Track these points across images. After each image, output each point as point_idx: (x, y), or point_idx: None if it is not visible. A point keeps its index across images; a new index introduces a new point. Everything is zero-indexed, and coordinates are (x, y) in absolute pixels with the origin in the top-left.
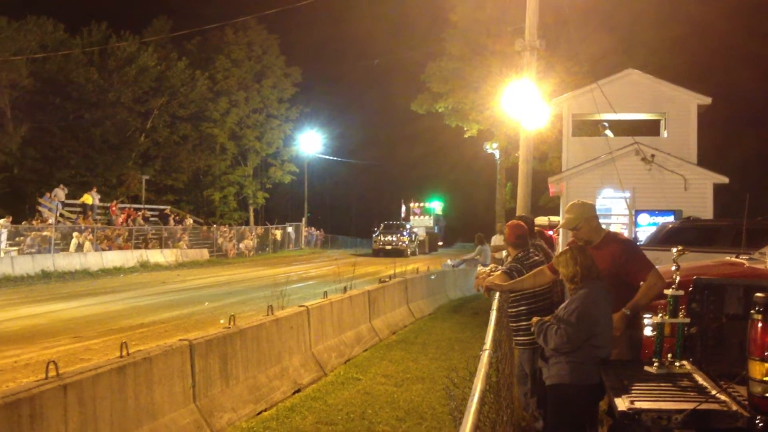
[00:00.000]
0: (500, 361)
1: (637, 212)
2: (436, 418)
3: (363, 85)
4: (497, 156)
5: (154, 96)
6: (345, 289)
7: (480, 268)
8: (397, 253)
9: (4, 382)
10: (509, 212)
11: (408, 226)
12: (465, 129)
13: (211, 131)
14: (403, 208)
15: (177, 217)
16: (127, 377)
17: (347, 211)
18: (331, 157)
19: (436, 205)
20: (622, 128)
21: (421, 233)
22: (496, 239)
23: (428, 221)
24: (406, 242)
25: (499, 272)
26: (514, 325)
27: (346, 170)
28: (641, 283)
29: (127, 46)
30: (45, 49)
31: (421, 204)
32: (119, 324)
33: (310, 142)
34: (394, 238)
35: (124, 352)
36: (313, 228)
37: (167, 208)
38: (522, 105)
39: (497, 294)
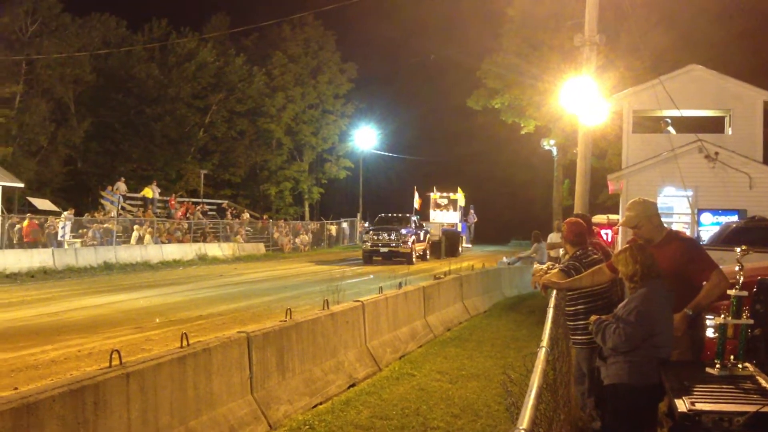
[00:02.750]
0: (557, 359)
1: (700, 211)
2: (491, 416)
3: (418, 80)
4: (554, 153)
5: (212, 92)
6: (400, 285)
7: (536, 265)
8: (397, 257)
9: (69, 369)
10: (566, 210)
11: (414, 221)
12: (522, 125)
13: (267, 126)
14: (416, 198)
15: (234, 212)
16: (187, 367)
17: (402, 207)
18: (385, 153)
19: (459, 197)
20: (684, 125)
21: (436, 231)
22: (554, 237)
23: (453, 216)
24: (411, 242)
25: (556, 270)
26: (572, 323)
27: (401, 166)
28: (704, 283)
29: (186, 43)
30: (108, 45)
31: (446, 194)
32: (178, 315)
33: (365, 138)
34: (393, 237)
35: (184, 343)
36: (368, 224)
37: (225, 203)
38: (581, 101)
39: (554, 292)
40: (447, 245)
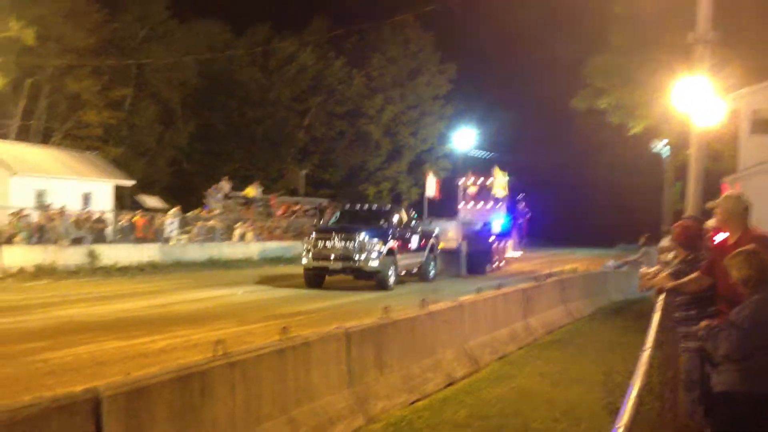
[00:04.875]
0: (663, 364)
1: None
2: (594, 421)
3: (519, 81)
4: (664, 155)
5: (312, 94)
6: (499, 286)
7: (643, 269)
8: (361, 277)
9: (177, 358)
10: (677, 213)
11: (394, 218)
12: (630, 126)
13: (366, 128)
14: (430, 180)
15: (333, 211)
16: (287, 359)
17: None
18: (485, 153)
19: (498, 182)
20: None
21: (452, 235)
22: (665, 241)
23: (492, 211)
24: (382, 252)
25: (665, 273)
26: (683, 329)
27: (504, 168)
28: None
29: (287, 46)
30: (212, 50)
31: (484, 180)
32: (279, 311)
33: (464, 139)
34: (352, 246)
35: (285, 336)
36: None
37: (324, 202)
38: (694, 101)
39: (662, 296)
40: (471, 256)
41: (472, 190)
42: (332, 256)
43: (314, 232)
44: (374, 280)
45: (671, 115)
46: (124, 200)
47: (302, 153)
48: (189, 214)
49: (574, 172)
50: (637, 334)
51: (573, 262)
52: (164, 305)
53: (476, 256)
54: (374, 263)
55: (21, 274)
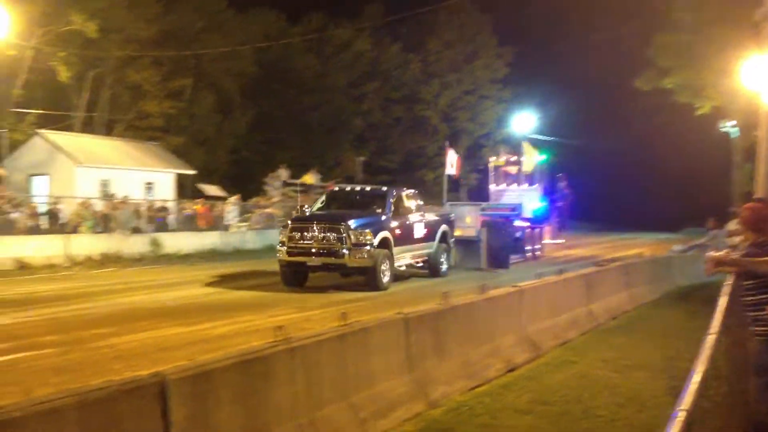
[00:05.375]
0: (730, 349)
1: None
2: (659, 407)
3: (579, 62)
4: (732, 135)
5: (368, 80)
6: (560, 271)
7: (710, 252)
8: (346, 274)
9: (238, 343)
10: (746, 195)
11: (390, 202)
12: (696, 106)
13: (423, 113)
14: (451, 155)
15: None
16: (347, 345)
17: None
18: (544, 137)
19: (530, 159)
20: None
21: (470, 221)
22: (732, 224)
23: (527, 193)
24: (373, 244)
25: (734, 257)
26: (753, 314)
27: (559, 150)
28: None
29: (343, 33)
30: (268, 38)
31: (512, 158)
32: (337, 297)
33: (523, 123)
34: (331, 237)
35: (344, 322)
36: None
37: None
38: (763, 80)
39: (730, 280)
40: (491, 248)
41: (509, 169)
42: (311, 250)
43: (290, 222)
44: (363, 276)
45: (740, 94)
46: (185, 189)
47: (359, 139)
48: (248, 201)
49: (639, 155)
50: (704, 320)
51: (638, 246)
52: (224, 292)
53: (498, 246)
54: (362, 258)
55: (88, 262)
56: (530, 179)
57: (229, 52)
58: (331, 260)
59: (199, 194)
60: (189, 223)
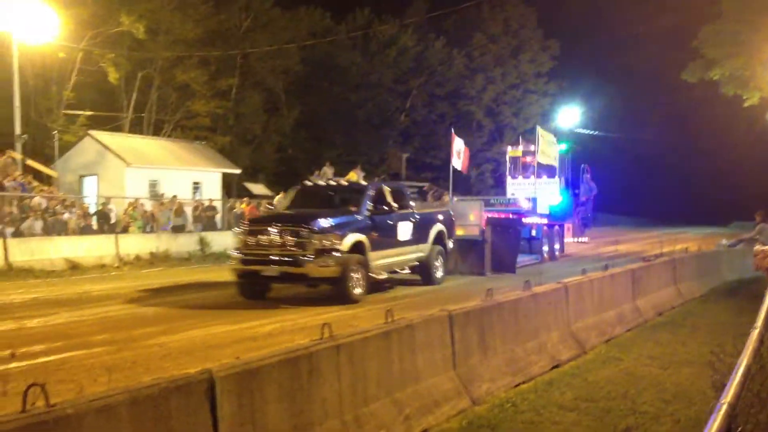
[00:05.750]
0: None
1: None
2: (706, 403)
3: (624, 54)
4: None
5: (412, 76)
6: (606, 267)
7: (758, 247)
8: (310, 285)
9: (284, 341)
10: None
11: (368, 199)
12: (744, 98)
13: (467, 108)
14: (457, 144)
15: (435, 194)
16: (392, 342)
17: (610, 188)
18: (589, 132)
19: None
20: None
21: (474, 219)
22: None
23: (549, 188)
24: (337, 249)
25: None
26: None
27: (606, 145)
28: None
29: (387, 29)
30: (314, 36)
31: (527, 148)
32: (386, 295)
33: (569, 117)
34: (295, 242)
35: (389, 319)
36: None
37: (426, 185)
38: None
39: None
40: (496, 249)
41: (528, 160)
42: (268, 258)
43: (244, 224)
44: (333, 286)
45: None
46: (231, 188)
47: (404, 136)
48: None
49: (686, 148)
50: (752, 315)
51: (684, 241)
52: (271, 290)
53: (505, 247)
54: (326, 266)
55: (137, 262)
56: (550, 171)
57: (275, 50)
58: (291, 269)
59: (245, 193)
60: (236, 222)
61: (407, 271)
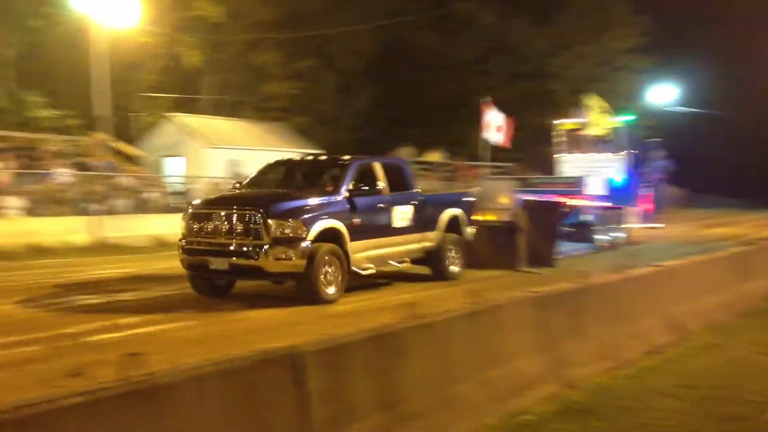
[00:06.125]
0: None
1: None
2: None
3: (721, 29)
4: None
5: (493, 55)
6: (705, 251)
7: None
8: (256, 277)
9: (368, 320)
10: None
11: (348, 178)
12: None
13: (553, 87)
14: (492, 116)
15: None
16: (479, 322)
17: (709, 167)
18: (685, 109)
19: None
20: None
21: (505, 201)
22: None
23: (607, 164)
24: (301, 239)
25: None
26: None
27: (704, 123)
28: None
29: (466, 7)
30: (388, 16)
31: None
32: (472, 276)
33: (663, 95)
34: (245, 229)
35: (475, 299)
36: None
37: (512, 165)
38: None
39: None
40: (533, 238)
41: (583, 134)
42: (211, 249)
43: (190, 207)
44: (300, 284)
45: None
46: None
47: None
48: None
49: None
50: None
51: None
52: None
53: (542, 236)
54: (285, 259)
55: None
56: (610, 146)
57: (350, 31)
58: (241, 262)
59: None
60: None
61: (404, 262)
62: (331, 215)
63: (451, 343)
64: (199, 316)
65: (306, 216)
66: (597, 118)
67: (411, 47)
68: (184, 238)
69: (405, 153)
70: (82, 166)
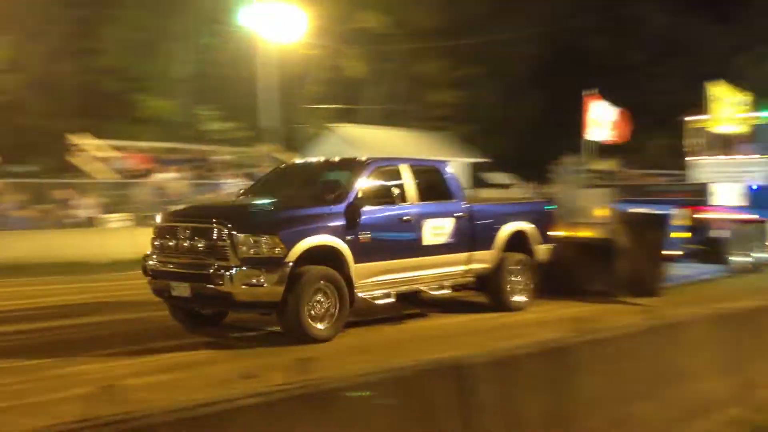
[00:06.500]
0: None
1: None
2: None
3: None
4: None
5: (668, 56)
6: None
7: None
8: (224, 306)
9: (533, 333)
10: None
11: (360, 178)
12: None
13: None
14: (596, 110)
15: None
16: (655, 339)
17: None
18: None
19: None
20: None
21: (598, 213)
22: None
23: (748, 168)
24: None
25: None
26: None
27: None
28: None
29: (638, 9)
30: (555, 20)
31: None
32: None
33: None
34: (207, 247)
35: (650, 315)
36: None
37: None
38: None
39: None
40: (634, 260)
41: (727, 132)
42: (177, 270)
43: (157, 219)
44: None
45: None
46: (473, 178)
47: (659, 122)
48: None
49: None
50: None
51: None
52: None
53: (645, 258)
54: (258, 285)
55: None
56: (755, 147)
57: (515, 37)
58: (203, 287)
59: (483, 182)
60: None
61: (438, 289)
62: (326, 230)
63: (626, 359)
64: (358, 323)
65: (287, 231)
66: (726, 111)
67: (578, 52)
68: (147, 257)
69: (570, 161)
70: (250, 176)
